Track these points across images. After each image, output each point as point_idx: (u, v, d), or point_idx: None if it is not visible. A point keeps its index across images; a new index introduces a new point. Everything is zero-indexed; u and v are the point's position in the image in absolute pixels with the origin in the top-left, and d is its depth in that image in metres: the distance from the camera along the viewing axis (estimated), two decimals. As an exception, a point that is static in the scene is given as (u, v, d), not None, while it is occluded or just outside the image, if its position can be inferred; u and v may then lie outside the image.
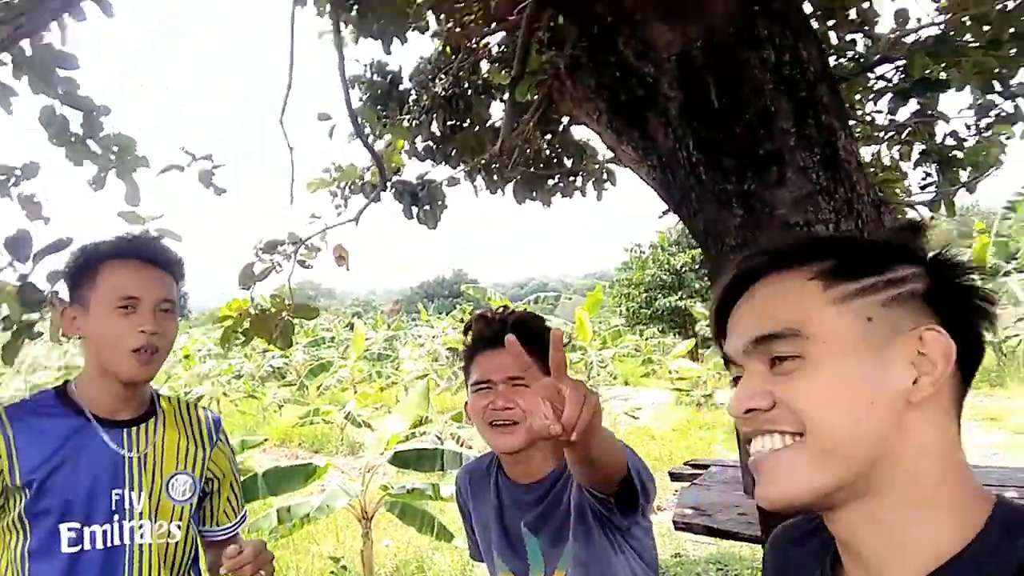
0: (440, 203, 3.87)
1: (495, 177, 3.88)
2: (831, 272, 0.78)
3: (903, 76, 3.12)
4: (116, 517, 1.56)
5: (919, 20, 2.77)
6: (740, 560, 6.26)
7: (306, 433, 14.26)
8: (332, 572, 6.21)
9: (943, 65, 2.61)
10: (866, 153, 4.04)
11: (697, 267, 21.80)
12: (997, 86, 2.79)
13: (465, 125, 3.40)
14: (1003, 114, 3.21)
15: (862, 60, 2.99)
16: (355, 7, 2.58)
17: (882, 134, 3.77)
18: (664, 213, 3.38)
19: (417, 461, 6.17)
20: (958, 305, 0.76)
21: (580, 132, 3.91)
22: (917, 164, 3.85)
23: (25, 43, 2.56)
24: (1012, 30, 2.40)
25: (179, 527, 1.66)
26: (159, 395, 1.77)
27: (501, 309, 1.77)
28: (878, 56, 2.86)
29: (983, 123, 3.35)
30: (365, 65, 3.27)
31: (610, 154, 3.72)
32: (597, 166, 4.14)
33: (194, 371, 21.15)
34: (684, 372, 17.37)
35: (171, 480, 1.66)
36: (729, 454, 9.04)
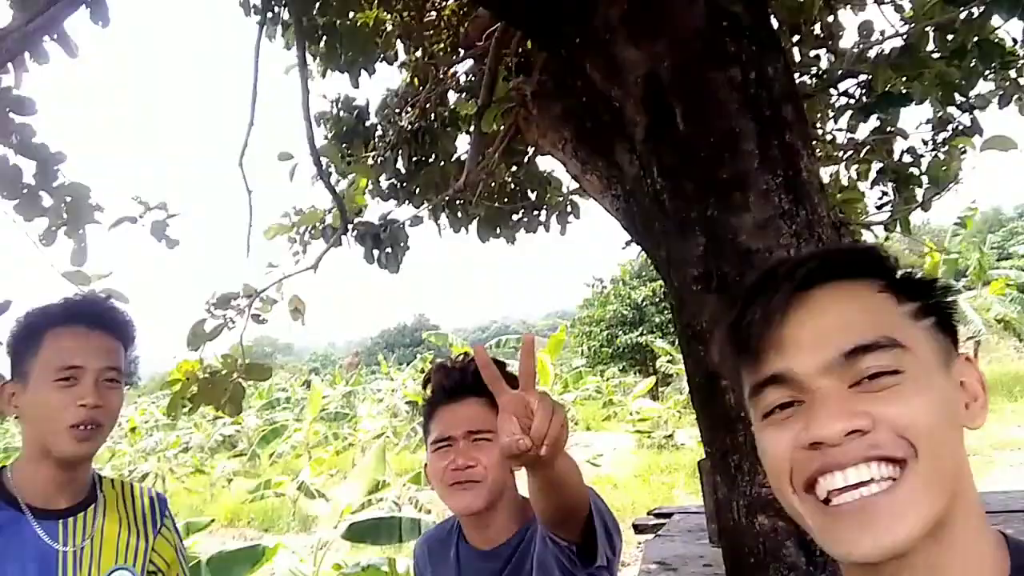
0: (402, 245, 3.76)
1: (459, 215, 3.80)
2: (897, 287, 0.73)
3: (865, 91, 3.16)
4: None
5: (883, 33, 2.82)
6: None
7: (256, 509, 13.73)
8: (285, 667, 5.82)
9: (905, 78, 2.63)
10: (825, 173, 4.09)
11: (658, 300, 22.03)
12: (958, 98, 2.84)
13: (431, 160, 3.33)
14: (961, 127, 3.27)
15: (825, 76, 3.02)
16: (323, 38, 2.49)
17: (841, 153, 3.81)
18: (627, 243, 3.34)
19: (373, 533, 5.91)
20: (954, 335, 0.75)
21: (545, 163, 3.89)
22: (874, 183, 3.90)
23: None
24: (976, 38, 2.45)
25: None
26: (101, 478, 1.61)
27: (461, 357, 1.68)
28: (841, 71, 2.89)
29: (940, 138, 3.41)
30: (332, 101, 3.17)
31: (574, 185, 3.68)
32: (561, 199, 4.10)
33: (140, 446, 20.38)
34: (645, 412, 17.44)
35: None
36: (692, 498, 8.97)
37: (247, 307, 3.54)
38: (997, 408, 13.41)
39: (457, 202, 3.77)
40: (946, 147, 3.45)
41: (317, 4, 2.71)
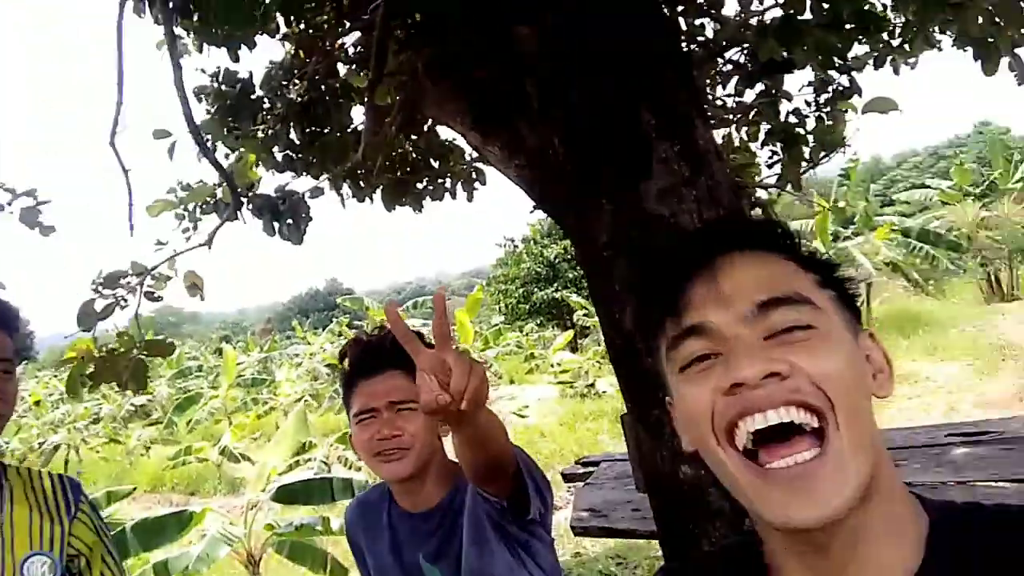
0: (304, 216, 3.66)
1: (361, 184, 3.71)
2: (801, 259, 0.76)
3: (750, 59, 3.25)
4: None
5: (762, 1, 2.89)
6: (638, 551, 6.43)
7: (179, 475, 13.38)
8: (224, 628, 5.78)
9: (787, 46, 2.72)
10: (718, 136, 4.21)
11: (570, 257, 22.35)
12: (836, 62, 2.96)
13: (326, 132, 3.22)
14: (841, 88, 3.41)
15: (712, 45, 3.08)
16: (196, 13, 2.35)
17: (731, 116, 3.92)
18: (534, 209, 3.37)
19: (305, 494, 5.86)
20: (857, 313, 0.78)
21: (446, 132, 3.83)
22: (764, 144, 4.04)
23: None
24: (850, 7, 2.55)
25: None
26: (6, 467, 1.56)
27: (377, 330, 1.69)
28: (725, 41, 2.95)
29: (823, 99, 3.56)
30: (211, 75, 3.01)
31: (477, 153, 3.66)
32: (465, 166, 4.07)
33: (47, 419, 19.45)
34: (566, 364, 17.77)
35: (26, 564, 1.44)
36: (616, 444, 9.26)
37: (138, 285, 3.39)
38: (892, 344, 14.29)
39: (359, 172, 3.68)
40: (828, 108, 3.60)
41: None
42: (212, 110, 3.06)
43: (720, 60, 3.25)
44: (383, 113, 2.90)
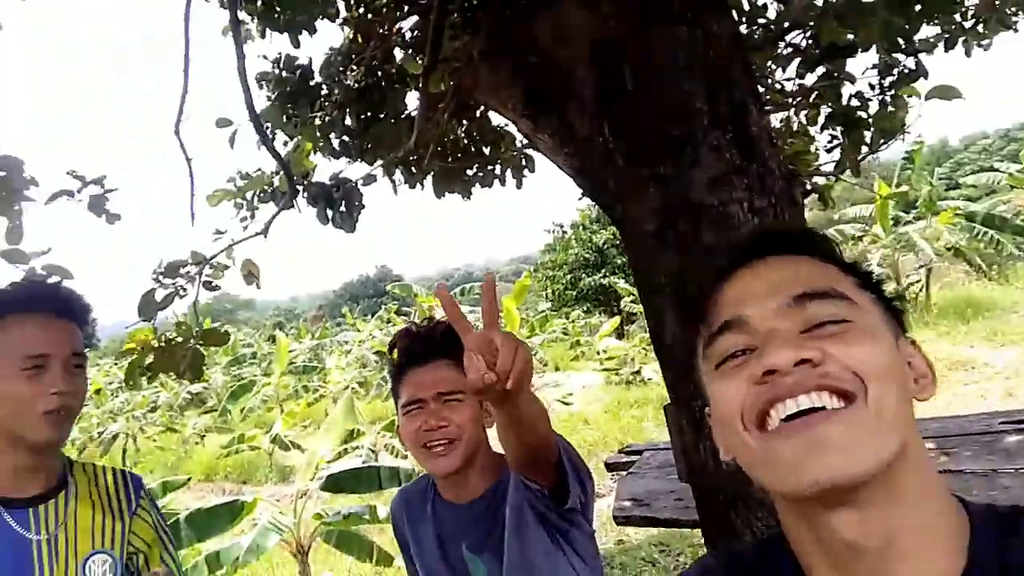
0: (357, 204, 3.70)
1: (413, 171, 3.74)
2: (840, 264, 0.76)
3: (812, 42, 3.16)
4: None
5: (829, -20, 2.80)
6: (681, 538, 6.40)
7: (232, 463, 13.75)
8: (271, 617, 5.93)
9: (851, 28, 2.63)
10: (776, 120, 4.11)
11: (619, 243, 22.23)
12: (902, 44, 2.86)
13: (381, 118, 3.25)
14: (906, 71, 3.29)
15: (773, 28, 3.00)
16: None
17: (791, 100, 3.82)
18: (582, 196, 3.35)
19: (352, 483, 5.95)
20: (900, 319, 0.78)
21: (497, 118, 3.82)
22: (823, 128, 3.93)
23: None
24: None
25: None
26: (72, 463, 1.60)
27: (427, 321, 1.70)
28: (788, 23, 2.87)
29: (887, 82, 3.44)
30: (272, 62, 3.05)
31: (527, 140, 3.65)
32: (515, 153, 4.06)
33: (106, 407, 20.16)
34: (612, 351, 17.69)
35: (87, 562, 1.47)
36: (660, 432, 9.20)
37: (197, 274, 3.47)
38: (952, 330, 13.90)
39: (411, 158, 3.70)
40: (892, 92, 3.48)
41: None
42: (272, 97, 3.11)
43: (782, 43, 3.17)
44: (436, 99, 2.91)
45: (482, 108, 3.59)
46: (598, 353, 18.76)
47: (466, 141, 3.85)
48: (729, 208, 2.31)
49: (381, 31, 3.00)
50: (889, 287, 0.79)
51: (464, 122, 3.74)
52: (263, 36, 2.78)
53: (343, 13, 3.07)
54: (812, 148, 4.20)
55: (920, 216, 17.05)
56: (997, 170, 21.32)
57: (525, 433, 1.27)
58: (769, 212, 2.35)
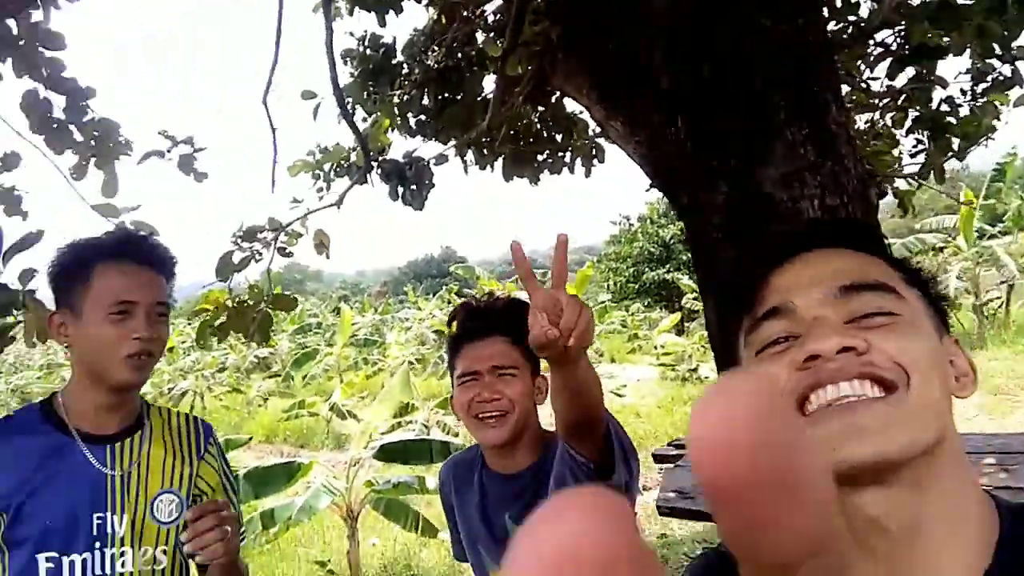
0: (427, 183, 3.78)
1: (484, 152, 3.79)
2: (889, 259, 0.77)
3: (902, 42, 3.06)
4: (97, 544, 1.46)
5: (924, -20, 2.70)
6: (726, 536, 6.29)
7: (291, 427, 14.16)
8: (318, 577, 6.13)
9: (943, 31, 2.54)
10: (861, 121, 4.00)
11: (685, 238, 21.87)
12: (997, 49, 2.74)
13: (457, 99, 3.30)
14: (1001, 78, 3.16)
15: (864, 25, 2.92)
16: (352, -25, 2.45)
17: (877, 101, 3.71)
18: (650, 187, 3.33)
19: (404, 454, 6.08)
20: (944, 318, 0.77)
21: (571, 106, 3.83)
22: (909, 131, 3.81)
23: (11, 22, 2.44)
24: (1017, -9, 2.35)
25: (165, 552, 1.55)
26: (149, 406, 1.68)
27: (486, 297, 1.74)
28: (879, 22, 2.79)
29: (979, 88, 3.31)
30: (358, 39, 3.14)
31: (599, 129, 3.65)
32: (586, 141, 4.07)
33: (178, 365, 20.99)
34: (670, 347, 17.46)
35: (156, 500, 1.55)
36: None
37: (273, 240, 3.60)
38: (1029, 350, 13.28)
39: (483, 140, 3.75)
40: (983, 99, 3.35)
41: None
42: (355, 73, 3.19)
43: (872, 41, 3.07)
44: (513, 82, 2.94)
45: (557, 94, 3.60)
46: (655, 348, 18.55)
47: (539, 126, 3.87)
48: (800, 204, 2.27)
49: (464, 13, 3.04)
50: (936, 286, 0.78)
51: (539, 107, 3.76)
52: (351, 14, 2.85)
53: (429, -6, 3.12)
54: (896, 152, 4.08)
55: (1006, 231, 16.23)
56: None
57: (578, 397, 1.28)
58: (841, 211, 2.30)
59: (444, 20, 3.11)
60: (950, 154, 3.77)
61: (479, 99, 3.39)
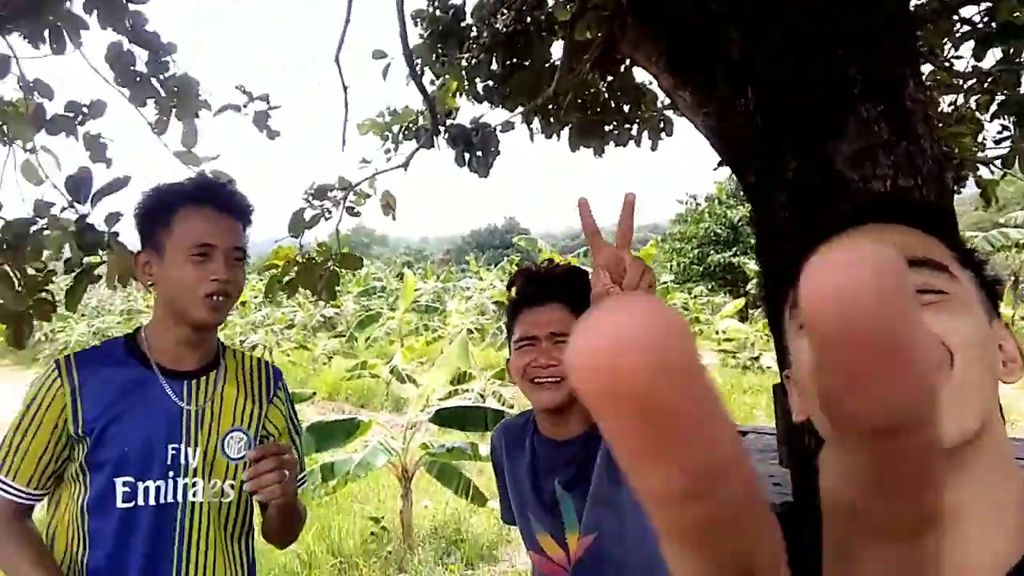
0: (493, 150, 3.81)
1: (551, 120, 3.78)
2: (945, 238, 0.75)
3: (987, 20, 2.92)
4: (171, 473, 1.55)
5: (1016, -47, 2.56)
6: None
7: (353, 387, 14.51)
8: (372, 532, 6.32)
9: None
10: (945, 103, 3.83)
11: (753, 221, 21.30)
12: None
13: (525, 65, 3.29)
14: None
15: (948, 0, 2.79)
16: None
17: (962, 82, 3.55)
18: (719, 165, 3.28)
19: (460, 419, 6.18)
20: (995, 301, 0.76)
21: (640, 76, 3.79)
22: (994, 116, 3.63)
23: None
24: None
25: (232, 486, 1.63)
26: (225, 348, 1.76)
27: (546, 264, 1.74)
28: (967, -5, 2.66)
29: (1076, 71, 3.12)
30: (428, 0, 3.17)
31: (668, 100, 3.60)
32: (655, 113, 4.01)
33: (249, 319, 21.75)
34: (732, 333, 17.15)
35: (227, 437, 1.63)
36: (770, 421, 8.90)
37: (342, 199, 3.69)
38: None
39: (549, 107, 3.75)
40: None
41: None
42: (425, 34, 3.22)
43: (956, 17, 2.94)
44: (581, 48, 2.92)
45: (626, 62, 3.57)
46: (717, 333, 18.25)
47: (607, 96, 3.84)
48: (871, 184, 2.20)
49: (534, -25, 3.03)
50: (988, 267, 0.77)
51: (607, 76, 3.73)
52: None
53: (500, -46, 3.12)
54: (980, 137, 3.89)
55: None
56: None
57: None
58: (914, 193, 2.22)
59: (515, -18, 3.11)
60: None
61: (547, 65, 3.37)
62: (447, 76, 3.47)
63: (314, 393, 9.19)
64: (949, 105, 3.85)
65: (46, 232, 2.44)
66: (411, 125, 3.84)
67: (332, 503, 7.24)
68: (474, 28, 3.27)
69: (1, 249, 2.41)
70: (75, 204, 2.46)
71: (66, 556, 1.53)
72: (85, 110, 2.76)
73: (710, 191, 25.13)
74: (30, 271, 2.51)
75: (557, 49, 3.37)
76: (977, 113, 3.79)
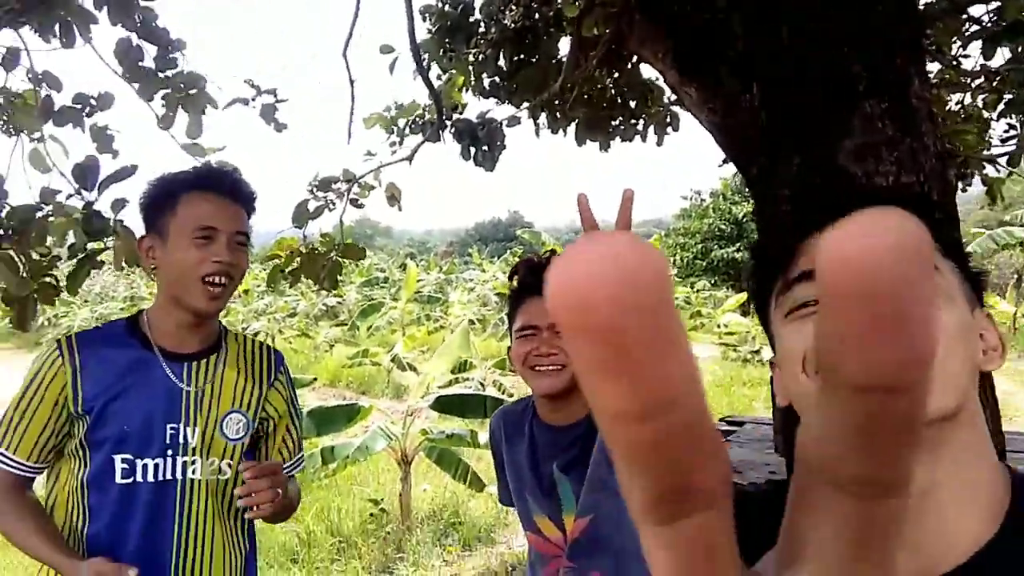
0: (499, 144, 3.81)
1: (557, 116, 3.78)
2: (931, 230, 0.75)
3: (995, 19, 2.91)
4: (169, 452, 1.57)
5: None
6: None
7: (354, 374, 14.55)
8: (372, 514, 6.37)
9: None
10: (953, 101, 3.82)
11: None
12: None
13: (532, 61, 3.29)
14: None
15: (956, -1, 2.78)
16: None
17: (969, 80, 3.54)
18: (724, 162, 3.28)
19: (460, 407, 6.21)
20: (979, 292, 0.77)
21: (647, 72, 3.78)
22: (1001, 115, 3.62)
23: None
24: None
25: (229, 465, 1.65)
26: (227, 331, 1.76)
27: (547, 255, 1.75)
28: (976, -6, 2.66)
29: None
30: (437, -6, 3.16)
31: (674, 96, 3.60)
32: (661, 109, 4.01)
33: (252, 307, 21.79)
34: (733, 327, 17.14)
35: (226, 418, 1.65)
36: (769, 412, 8.91)
37: (346, 191, 3.70)
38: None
39: (556, 103, 3.75)
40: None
41: None
42: (432, 29, 3.21)
43: (964, 16, 2.93)
44: (589, 45, 2.92)
45: (634, 59, 3.56)
46: (718, 327, 18.25)
47: (613, 91, 3.84)
48: (874, 180, 2.21)
49: (543, -28, 3.02)
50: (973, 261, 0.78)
51: (614, 72, 3.73)
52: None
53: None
54: (986, 135, 3.88)
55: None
56: None
57: None
58: (916, 189, 2.23)
59: (523, -21, 3.10)
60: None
61: (554, 61, 3.37)
62: (454, 71, 3.46)
63: (315, 379, 9.21)
64: (956, 104, 3.84)
65: (51, 218, 2.45)
66: (417, 119, 3.84)
67: (332, 485, 7.30)
68: (482, 24, 3.26)
69: (6, 234, 2.43)
70: (82, 191, 2.48)
71: (66, 526, 1.56)
72: (93, 102, 2.77)
73: (715, 187, 25.09)
74: (34, 256, 2.53)
75: (564, 46, 3.37)
76: (984, 111, 3.78)
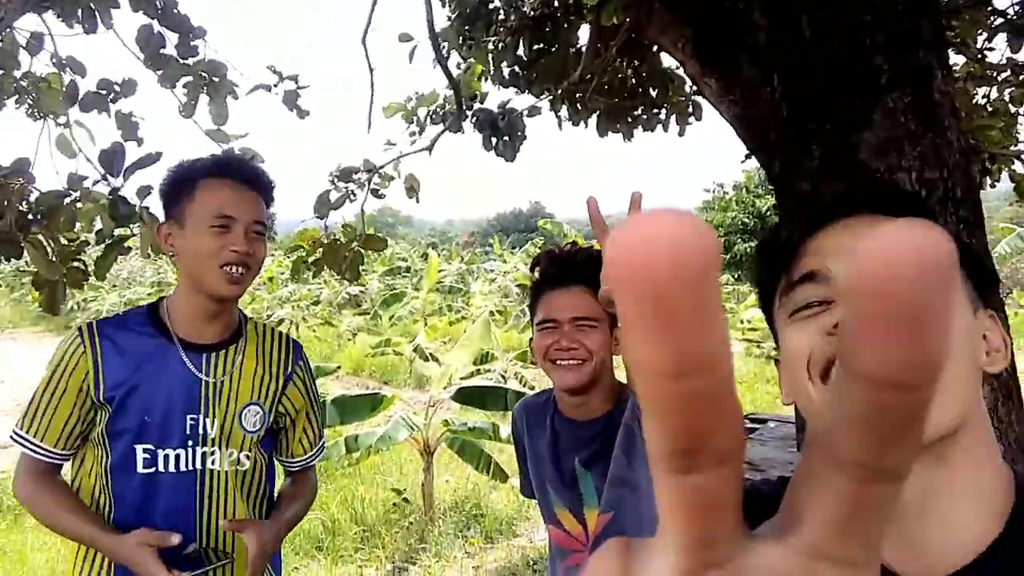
0: (520, 134, 3.81)
1: (578, 107, 3.77)
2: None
3: (1021, 11, 2.86)
4: (190, 443, 1.58)
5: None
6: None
7: (377, 363, 14.60)
8: (395, 504, 6.42)
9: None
10: (980, 95, 3.76)
11: (780, 211, 21.06)
12: None
13: (552, 50, 3.28)
14: None
15: (982, -11, 2.74)
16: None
17: (995, 74, 3.48)
18: (747, 157, 3.26)
19: (481, 399, 6.22)
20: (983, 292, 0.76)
21: (668, 61, 3.76)
22: (1029, 109, 3.57)
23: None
24: None
25: (248, 457, 1.66)
26: (247, 320, 1.76)
27: (569, 246, 1.74)
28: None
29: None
30: (456, -20, 3.15)
31: (694, 86, 3.57)
32: (683, 98, 3.99)
33: (276, 294, 22.00)
34: (756, 323, 16.95)
35: (244, 410, 1.65)
36: (791, 410, 8.81)
37: (367, 181, 3.73)
38: None
39: (576, 95, 3.74)
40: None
41: None
42: (451, 17, 3.21)
43: (989, 9, 2.87)
44: (608, 33, 2.91)
45: (654, 48, 3.54)
46: (741, 322, 18.07)
47: (634, 81, 3.82)
48: (896, 176, 2.18)
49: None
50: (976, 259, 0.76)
51: (634, 61, 3.71)
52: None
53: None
54: (1013, 130, 3.82)
55: None
56: None
57: None
58: (940, 185, 2.20)
59: (543, -35, 3.08)
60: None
61: (573, 50, 3.36)
62: (473, 60, 3.46)
63: (338, 367, 9.27)
64: (982, 98, 3.78)
65: (79, 204, 2.50)
66: (438, 109, 3.85)
67: (355, 474, 7.38)
68: (501, 11, 3.25)
69: (35, 219, 2.49)
70: (108, 177, 2.53)
71: (92, 508, 1.59)
72: (117, 88, 2.81)
73: (738, 180, 24.85)
74: (63, 241, 2.58)
75: (584, 34, 3.35)
76: (1011, 106, 3.72)
